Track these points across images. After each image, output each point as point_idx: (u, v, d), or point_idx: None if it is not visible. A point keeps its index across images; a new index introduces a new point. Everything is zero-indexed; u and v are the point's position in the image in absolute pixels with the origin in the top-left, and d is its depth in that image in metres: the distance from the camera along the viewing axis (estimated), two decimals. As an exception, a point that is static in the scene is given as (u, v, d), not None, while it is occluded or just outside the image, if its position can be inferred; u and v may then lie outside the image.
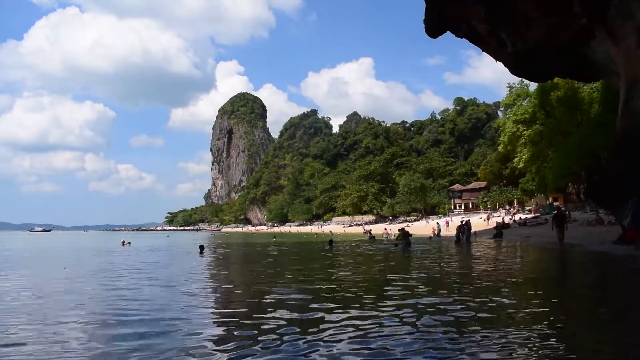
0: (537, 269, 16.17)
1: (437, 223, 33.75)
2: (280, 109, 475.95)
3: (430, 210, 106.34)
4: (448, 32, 26.44)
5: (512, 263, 18.06)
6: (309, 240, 53.18)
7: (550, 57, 23.50)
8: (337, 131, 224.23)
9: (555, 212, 31.05)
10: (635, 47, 17.32)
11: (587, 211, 46.28)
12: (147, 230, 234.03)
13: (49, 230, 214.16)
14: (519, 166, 67.98)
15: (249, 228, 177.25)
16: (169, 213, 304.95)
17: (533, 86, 62.52)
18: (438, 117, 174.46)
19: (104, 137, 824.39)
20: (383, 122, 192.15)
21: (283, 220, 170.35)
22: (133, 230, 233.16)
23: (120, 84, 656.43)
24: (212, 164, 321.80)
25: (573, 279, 12.95)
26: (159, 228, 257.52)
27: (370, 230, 60.83)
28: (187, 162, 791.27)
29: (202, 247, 30.17)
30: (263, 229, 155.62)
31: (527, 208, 74.04)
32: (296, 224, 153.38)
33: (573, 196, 63.53)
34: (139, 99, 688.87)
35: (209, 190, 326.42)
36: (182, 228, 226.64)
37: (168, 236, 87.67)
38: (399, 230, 39.16)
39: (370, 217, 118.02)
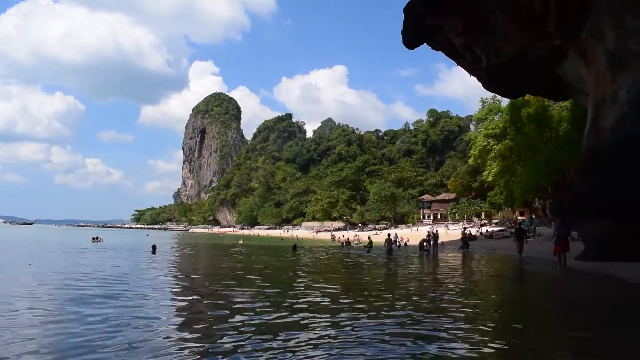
0: (489, 278, 16.48)
1: (396, 233, 34.06)
2: (253, 112, 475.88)
3: (399, 219, 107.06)
4: (422, 45, 26.77)
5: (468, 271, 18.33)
6: (276, 244, 52.99)
7: (522, 74, 23.96)
8: (311, 136, 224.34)
9: (517, 226, 31.85)
10: (604, 68, 17.78)
11: (552, 226, 47.20)
12: (113, 227, 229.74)
13: (31, 224, 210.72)
14: (488, 179, 69.00)
15: (218, 229, 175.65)
16: (136, 210, 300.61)
17: (505, 102, 63.77)
18: (411, 127, 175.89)
19: (72, 130, 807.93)
20: (357, 129, 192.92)
21: (252, 223, 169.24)
22: (99, 226, 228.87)
23: (90, 77, 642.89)
24: (183, 163, 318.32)
25: (514, 287, 13.22)
26: (125, 225, 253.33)
27: (343, 236, 61.21)
28: (156, 160, 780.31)
29: (154, 247, 30.11)
30: (231, 231, 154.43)
31: (494, 221, 75.15)
32: (265, 227, 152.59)
33: (539, 211, 64.69)
34: (109, 94, 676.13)
35: (178, 189, 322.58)
36: (149, 226, 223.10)
37: (147, 234, 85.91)
38: (368, 237, 39.39)
39: (340, 224, 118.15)
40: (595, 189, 17.18)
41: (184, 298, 10.80)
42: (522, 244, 25.99)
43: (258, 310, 8.92)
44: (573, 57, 20.31)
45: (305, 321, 7.93)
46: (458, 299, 10.92)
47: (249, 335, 6.74)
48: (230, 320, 7.92)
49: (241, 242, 55.44)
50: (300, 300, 10.23)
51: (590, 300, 10.99)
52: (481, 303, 10.70)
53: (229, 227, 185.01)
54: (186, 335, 6.97)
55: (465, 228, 54.83)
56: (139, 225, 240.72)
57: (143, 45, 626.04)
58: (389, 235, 33.81)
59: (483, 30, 22.71)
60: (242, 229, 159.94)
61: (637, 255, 14.48)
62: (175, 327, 7.62)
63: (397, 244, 37.17)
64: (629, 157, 14.89)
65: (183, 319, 8.51)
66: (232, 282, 13.65)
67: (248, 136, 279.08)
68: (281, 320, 8.00)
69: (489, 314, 9.33)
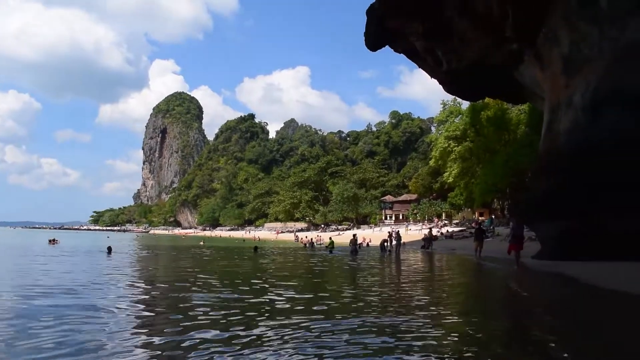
0: (444, 275, 16.80)
1: (354, 235, 34.36)
2: (215, 112, 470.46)
3: (361, 220, 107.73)
4: (385, 47, 27.03)
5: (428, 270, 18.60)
6: (238, 246, 52.60)
7: (482, 78, 24.45)
8: (274, 137, 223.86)
9: (477, 227, 32.47)
10: (560, 73, 18.26)
11: (510, 226, 48.24)
12: (70, 229, 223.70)
13: None
14: (449, 181, 70.03)
15: (179, 231, 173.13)
16: (94, 212, 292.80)
17: (465, 104, 64.88)
18: (374, 128, 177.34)
19: (28, 129, 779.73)
20: (320, 130, 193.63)
21: (214, 224, 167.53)
22: (55, 228, 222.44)
23: (46, 74, 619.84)
24: (143, 163, 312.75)
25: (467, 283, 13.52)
26: (83, 227, 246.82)
27: (306, 236, 61.28)
28: (115, 160, 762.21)
29: (109, 249, 29.65)
30: (192, 232, 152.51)
31: (455, 221, 76.42)
32: (227, 228, 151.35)
33: (498, 212, 66.07)
34: (66, 92, 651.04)
35: (138, 190, 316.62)
36: (108, 228, 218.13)
37: (108, 237, 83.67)
38: (329, 238, 39.54)
39: (303, 225, 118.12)
40: (550, 191, 17.64)
41: (137, 305, 10.39)
42: (481, 243, 26.50)
43: (213, 315, 8.78)
44: (530, 62, 20.83)
45: (262, 325, 7.87)
46: (416, 297, 11.07)
47: (205, 345, 6.61)
48: (185, 324, 7.79)
49: (202, 243, 54.82)
50: (258, 303, 10.15)
51: (539, 297, 11.34)
52: (440, 300, 10.88)
53: (191, 228, 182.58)
54: (136, 342, 6.80)
55: (431, 229, 55.58)
56: (97, 227, 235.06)
57: (102, 43, 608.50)
58: (354, 235, 33.95)
59: (444, 34, 23.06)
60: (204, 230, 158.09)
61: (589, 255, 14.92)
62: (124, 335, 7.34)
63: (361, 244, 37.60)
64: (582, 161, 15.34)
65: (134, 325, 8.23)
66: (189, 286, 13.44)
67: (210, 136, 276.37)
68: (238, 325, 7.91)
69: (445, 310, 9.55)
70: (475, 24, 21.54)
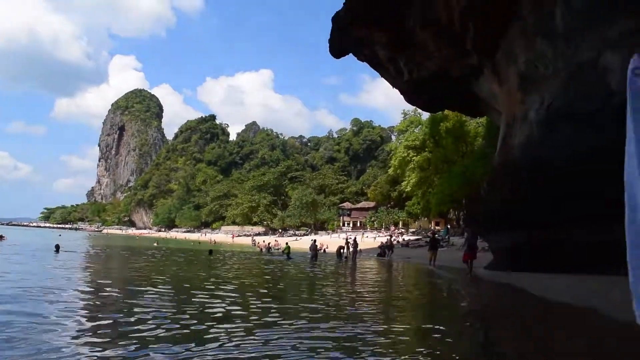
0: (395, 284, 17.00)
1: (314, 240, 34.53)
2: (175, 111, 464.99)
3: (319, 226, 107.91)
4: (349, 54, 27.21)
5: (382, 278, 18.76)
6: (193, 248, 51.88)
7: (442, 89, 24.85)
8: (234, 139, 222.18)
9: (431, 236, 33.03)
10: (516, 88, 18.71)
11: (464, 236, 49.15)
12: (19, 225, 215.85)
13: None
14: (407, 190, 70.94)
15: (133, 231, 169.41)
16: (45, 208, 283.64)
17: (425, 115, 65.95)
18: (335, 135, 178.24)
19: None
20: (281, 134, 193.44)
21: (170, 225, 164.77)
22: (2, 224, 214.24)
23: (1, 63, 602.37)
24: (99, 161, 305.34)
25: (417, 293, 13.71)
26: (33, 224, 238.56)
27: (264, 241, 60.95)
28: (70, 156, 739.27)
29: (57, 247, 28.85)
30: (147, 233, 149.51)
31: (411, 230, 77.37)
32: (183, 230, 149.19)
33: (454, 222, 67.24)
34: (21, 83, 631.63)
35: (92, 187, 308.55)
36: (59, 226, 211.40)
37: (60, 235, 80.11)
38: (286, 243, 39.38)
39: (260, 229, 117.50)
40: (503, 203, 18.03)
41: (77, 314, 9.73)
42: (435, 253, 26.93)
43: (159, 320, 8.58)
44: (488, 76, 21.28)
45: (211, 332, 7.74)
46: (367, 305, 11.13)
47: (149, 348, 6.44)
48: (129, 329, 7.58)
49: (156, 244, 53.79)
50: (205, 310, 9.97)
51: (481, 304, 11.57)
52: (392, 307, 10.97)
53: (145, 229, 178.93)
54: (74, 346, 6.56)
55: (390, 236, 56.05)
56: (47, 224, 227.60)
57: (61, 34, 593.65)
58: (314, 241, 33.99)
59: (406, 44, 23.34)
60: (159, 231, 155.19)
61: (538, 267, 15.29)
62: (61, 340, 6.96)
63: (322, 250, 37.60)
64: (535, 175, 15.73)
65: (72, 337, 7.68)
66: (137, 289, 13.14)
67: (169, 136, 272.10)
68: (183, 331, 7.77)
69: (394, 316, 9.64)
70: (436, 35, 21.87)
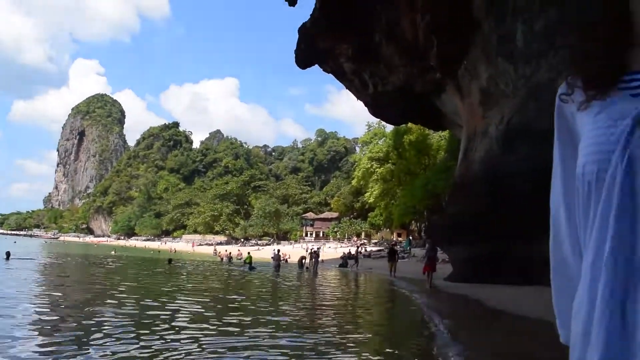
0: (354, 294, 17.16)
1: (278, 250, 34.66)
2: (138, 117, 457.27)
3: (282, 236, 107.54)
4: (315, 65, 27.44)
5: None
6: (152, 257, 51.00)
7: (405, 103, 25.28)
8: (198, 147, 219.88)
9: (390, 247, 33.36)
10: (478, 104, 19.22)
11: (425, 248, 49.71)
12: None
13: None
14: (370, 201, 71.43)
15: (91, 239, 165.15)
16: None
17: (390, 127, 66.74)
18: (300, 145, 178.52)
19: None
20: (245, 143, 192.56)
21: (130, 233, 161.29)
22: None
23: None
24: (57, 166, 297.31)
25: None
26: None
27: (226, 250, 60.33)
28: (26, 160, 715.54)
29: (8, 254, 27.94)
30: (105, 241, 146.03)
31: (373, 241, 77.88)
32: (143, 238, 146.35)
33: (415, 233, 67.98)
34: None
35: (50, 193, 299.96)
36: (13, 232, 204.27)
37: (15, 242, 76.55)
38: (248, 253, 39.21)
39: (222, 238, 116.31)
40: (462, 215, 18.40)
41: (27, 324, 9.40)
42: (394, 263, 27.28)
43: (112, 329, 8.45)
44: (450, 91, 21.79)
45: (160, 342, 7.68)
46: (326, 315, 11.21)
47: None
48: (80, 345, 7.43)
49: (113, 252, 52.55)
50: (159, 322, 9.83)
51: (433, 314, 11.78)
52: (348, 318, 11.06)
53: (104, 236, 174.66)
54: None
55: (358, 247, 56.28)
56: (1, 231, 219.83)
57: (22, 35, 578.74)
58: (278, 251, 33.99)
59: (371, 58, 23.71)
60: (118, 239, 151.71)
61: (497, 279, 15.64)
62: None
63: (284, 260, 37.52)
64: (494, 188, 16.15)
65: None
66: (89, 299, 12.87)
67: (131, 142, 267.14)
68: (134, 343, 7.67)
69: (348, 328, 9.73)
70: (401, 51, 22.30)
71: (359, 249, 50.60)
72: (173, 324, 9.44)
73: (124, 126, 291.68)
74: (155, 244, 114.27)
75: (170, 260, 34.04)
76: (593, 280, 0.80)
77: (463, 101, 20.77)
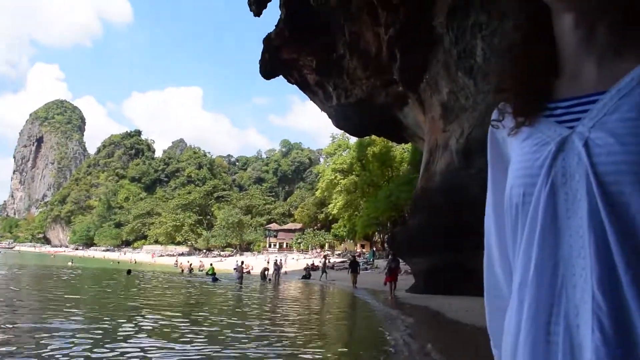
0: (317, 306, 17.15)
1: (242, 261, 34.52)
2: (98, 124, 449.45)
3: (245, 247, 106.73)
4: (279, 76, 27.49)
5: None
6: (111, 267, 49.85)
7: (368, 115, 25.49)
8: (160, 156, 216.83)
9: (351, 259, 33.52)
10: (438, 118, 19.52)
11: (388, 259, 50.02)
12: None
13: None
14: (333, 212, 71.57)
15: (48, 249, 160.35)
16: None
17: (354, 139, 67.18)
18: (264, 155, 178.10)
19: None
20: (209, 153, 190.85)
21: (88, 243, 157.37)
22: None
23: None
24: (13, 173, 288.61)
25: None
26: None
27: (188, 261, 59.44)
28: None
29: None
30: (63, 251, 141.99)
31: (337, 252, 77.97)
32: (102, 248, 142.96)
33: (379, 244, 68.35)
34: None
35: (5, 201, 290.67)
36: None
37: None
38: (210, 264, 38.78)
39: (184, 249, 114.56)
40: (421, 227, 18.62)
41: None
42: (355, 275, 27.38)
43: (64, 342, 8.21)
44: (413, 105, 22.10)
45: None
46: (284, 326, 11.14)
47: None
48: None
49: (70, 263, 50.93)
50: (117, 334, 9.61)
51: (393, 329, 11.86)
52: (306, 331, 11.02)
53: (61, 247, 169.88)
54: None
55: (325, 257, 56.19)
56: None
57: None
58: (241, 262, 33.81)
59: (335, 70, 23.88)
60: (76, 249, 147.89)
61: (458, 290, 15.85)
62: None
63: (247, 271, 37.24)
64: (453, 201, 16.39)
65: None
66: (39, 312, 12.47)
67: (91, 150, 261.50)
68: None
69: (302, 341, 9.72)
70: (365, 63, 22.52)
71: (326, 260, 50.38)
72: (124, 338, 9.19)
73: (84, 133, 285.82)
74: (114, 255, 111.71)
75: (129, 271, 33.34)
76: (520, 301, 0.86)
77: (425, 114, 21.08)
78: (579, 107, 0.93)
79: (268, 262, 36.24)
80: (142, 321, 11.55)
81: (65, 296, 17.82)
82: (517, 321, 0.88)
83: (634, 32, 0.90)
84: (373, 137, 51.85)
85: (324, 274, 37.22)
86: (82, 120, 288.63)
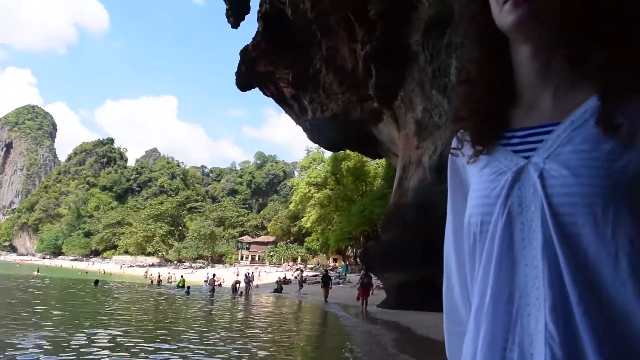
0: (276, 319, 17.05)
1: (214, 274, 34.25)
2: (70, 131, 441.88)
3: (217, 259, 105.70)
4: (255, 88, 27.53)
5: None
6: (79, 278, 48.79)
7: (344, 130, 25.63)
8: (133, 165, 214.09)
9: (323, 273, 33.50)
10: (412, 134, 19.73)
11: (361, 274, 50.08)
12: None
13: None
14: (307, 225, 71.44)
15: (13, 257, 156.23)
16: None
17: (328, 153, 67.35)
18: (238, 167, 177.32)
19: None
20: (182, 163, 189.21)
21: (56, 252, 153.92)
22: None
23: None
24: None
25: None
26: None
27: (159, 273, 58.59)
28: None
29: None
30: (29, 260, 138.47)
31: (309, 266, 77.74)
32: (70, 258, 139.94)
33: (351, 259, 68.36)
34: None
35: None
36: None
37: None
38: (181, 276, 38.33)
39: (155, 259, 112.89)
40: (396, 242, 18.71)
41: None
42: (327, 290, 27.37)
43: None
44: (387, 121, 22.30)
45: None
46: (252, 340, 11.05)
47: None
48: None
49: (36, 273, 49.51)
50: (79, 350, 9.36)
51: (363, 344, 11.85)
52: (273, 346, 10.94)
53: (28, 255, 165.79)
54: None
55: (302, 271, 55.91)
56: None
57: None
58: (213, 275, 33.57)
59: (311, 84, 24.01)
60: (43, 258, 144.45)
61: (428, 306, 15.91)
62: None
63: (218, 284, 36.87)
64: (425, 217, 16.52)
65: None
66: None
67: (62, 157, 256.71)
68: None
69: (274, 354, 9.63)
70: (341, 78, 22.68)
71: (302, 273, 50.05)
72: (77, 353, 8.94)
73: (55, 140, 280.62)
74: (83, 265, 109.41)
75: (96, 282, 32.64)
76: (477, 327, 0.88)
77: (399, 131, 21.29)
78: (534, 137, 0.95)
79: (237, 275, 35.93)
80: (105, 334, 11.28)
81: (26, 308, 17.30)
82: (474, 346, 0.90)
83: (588, 66, 0.91)
84: (347, 151, 52.10)
85: (301, 288, 37.01)
86: (54, 126, 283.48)
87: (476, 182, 1.02)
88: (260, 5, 24.41)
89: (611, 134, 0.85)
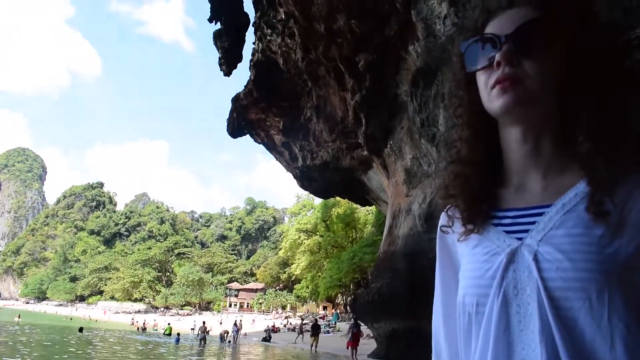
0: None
1: (203, 322, 33.87)
2: (60, 175, 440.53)
3: (205, 306, 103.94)
4: (246, 135, 27.80)
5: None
6: (63, 325, 47.69)
7: (333, 178, 25.79)
8: (122, 209, 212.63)
9: (313, 321, 33.14)
10: (402, 182, 19.85)
11: (351, 322, 49.35)
12: None
13: None
14: (296, 272, 70.84)
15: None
16: None
17: (318, 200, 67.46)
18: (228, 212, 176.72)
19: None
20: (172, 208, 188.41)
21: (41, 297, 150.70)
22: None
23: None
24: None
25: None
26: None
27: (145, 320, 57.54)
28: None
29: None
30: (12, 305, 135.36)
31: (299, 314, 76.62)
32: (55, 303, 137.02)
33: (341, 307, 67.53)
34: None
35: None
36: None
37: None
38: (168, 324, 37.67)
39: (142, 306, 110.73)
40: (382, 291, 18.55)
41: None
42: (317, 338, 26.88)
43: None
44: (377, 169, 22.48)
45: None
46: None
47: None
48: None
49: (17, 319, 48.25)
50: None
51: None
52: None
53: (11, 299, 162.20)
54: None
55: (302, 319, 55.04)
56: None
57: None
58: (203, 322, 33.33)
59: (302, 132, 24.28)
60: (27, 303, 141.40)
61: (421, 357, 15.66)
62: None
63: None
64: (414, 265, 16.46)
65: None
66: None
67: (51, 200, 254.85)
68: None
69: None
70: (331, 126, 22.96)
71: (302, 322, 49.00)
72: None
73: (45, 183, 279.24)
74: (67, 310, 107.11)
75: (81, 329, 31.86)
76: None
77: (389, 179, 21.43)
78: (525, 219, 0.94)
79: (221, 324, 35.50)
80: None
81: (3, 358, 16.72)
82: None
83: (575, 149, 0.91)
84: (337, 198, 52.25)
85: (300, 335, 36.12)
86: (44, 169, 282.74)
87: (468, 262, 1.01)
88: (253, 55, 24.88)
89: (601, 220, 0.84)
